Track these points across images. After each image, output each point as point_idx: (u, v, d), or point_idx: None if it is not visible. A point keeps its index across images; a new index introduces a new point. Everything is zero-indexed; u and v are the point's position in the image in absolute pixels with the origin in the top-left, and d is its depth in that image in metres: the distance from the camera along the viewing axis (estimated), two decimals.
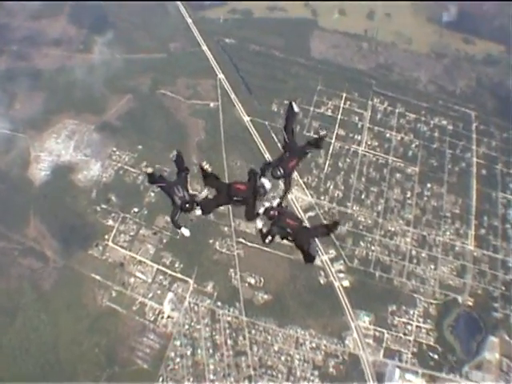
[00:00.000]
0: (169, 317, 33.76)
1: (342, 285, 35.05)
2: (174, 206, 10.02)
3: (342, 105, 42.38)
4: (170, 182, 10.33)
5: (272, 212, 9.93)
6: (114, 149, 39.45)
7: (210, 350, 32.85)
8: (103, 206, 36.90)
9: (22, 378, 30.84)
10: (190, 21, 47.24)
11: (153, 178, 10.38)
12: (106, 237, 35.88)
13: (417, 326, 34.03)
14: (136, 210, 36.60)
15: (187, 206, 9.73)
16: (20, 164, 39.40)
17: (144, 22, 47.54)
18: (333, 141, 40.41)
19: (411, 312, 34.47)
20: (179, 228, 10.00)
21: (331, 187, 38.61)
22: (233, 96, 42.20)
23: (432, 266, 36.28)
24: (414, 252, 36.75)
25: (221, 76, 43.36)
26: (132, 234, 36.00)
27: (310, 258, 9.87)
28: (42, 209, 37.04)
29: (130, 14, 48.15)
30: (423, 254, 36.68)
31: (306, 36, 46.75)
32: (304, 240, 10.06)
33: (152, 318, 33.65)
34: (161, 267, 34.89)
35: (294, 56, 45.00)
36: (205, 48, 45.22)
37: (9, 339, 32.14)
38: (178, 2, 48.66)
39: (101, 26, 46.79)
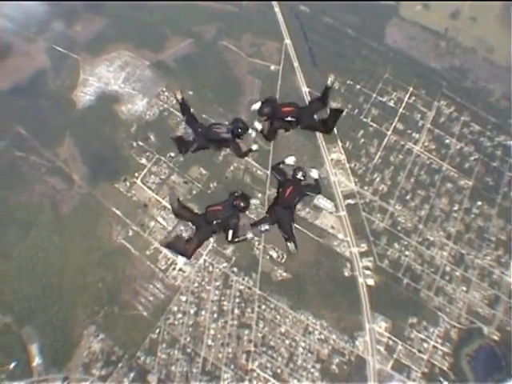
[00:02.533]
0: (180, 270, 32.24)
1: (366, 282, 32.97)
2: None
3: (406, 98, 39.79)
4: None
5: (266, 109, 10.44)
6: (164, 89, 37.75)
7: (215, 315, 31.26)
8: (140, 143, 35.44)
9: (21, 295, 29.96)
10: None
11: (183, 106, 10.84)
12: (136, 174, 34.44)
13: (434, 346, 31.67)
14: (172, 154, 34.85)
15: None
16: (67, 84, 38.25)
17: None
18: (389, 133, 38.04)
19: (431, 330, 32.17)
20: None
21: (377, 180, 36.30)
22: (296, 64, 40.03)
23: (464, 288, 33.77)
24: (448, 268, 34.30)
25: (288, 41, 41.16)
26: (163, 177, 34.47)
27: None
28: (79, 132, 35.79)
29: None
30: (457, 273, 34.20)
31: (383, 21, 44.14)
32: (309, 119, 10.67)
33: (163, 267, 32.22)
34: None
35: (366, 38, 42.49)
36: (277, 10, 43.01)
37: (18, 252, 31.07)
38: None
39: None
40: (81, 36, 40.51)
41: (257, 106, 10.81)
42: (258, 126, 10.85)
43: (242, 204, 10.13)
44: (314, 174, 10.86)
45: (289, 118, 10.63)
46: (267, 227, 10.43)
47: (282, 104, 10.75)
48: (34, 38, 40.27)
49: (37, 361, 28.96)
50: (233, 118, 10.78)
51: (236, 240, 10.26)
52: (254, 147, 11.08)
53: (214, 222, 10.06)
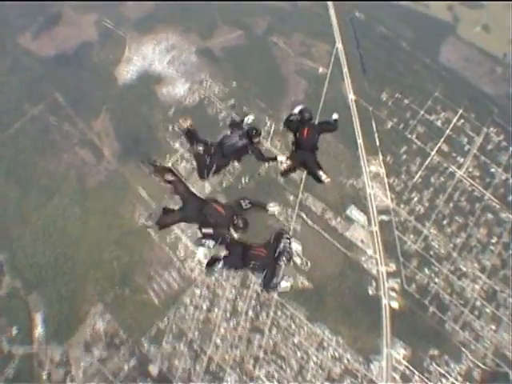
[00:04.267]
0: (199, 262, 30.82)
1: (389, 304, 31.04)
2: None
3: (454, 120, 37.88)
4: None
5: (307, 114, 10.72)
6: (208, 76, 36.99)
7: (228, 314, 29.79)
8: (176, 128, 34.58)
9: (33, 261, 29.34)
10: None
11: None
12: (168, 158, 33.45)
13: None
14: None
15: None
16: (111, 59, 37.93)
17: None
18: (432, 153, 36.17)
19: (452, 365, 29.86)
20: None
21: (415, 199, 34.41)
22: (345, 70, 38.63)
23: (493, 327, 31.35)
24: (478, 303, 32.02)
25: (339, 46, 39.86)
26: (195, 165, 33.35)
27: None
28: (116, 108, 35.23)
29: None
30: (487, 310, 31.87)
31: (439, 38, 42.47)
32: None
33: (182, 257, 30.97)
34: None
35: (420, 53, 40.85)
36: (332, 13, 41.84)
37: (37, 217, 30.53)
38: None
39: None
40: (131, 14, 40.26)
41: (297, 109, 10.82)
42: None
43: (240, 225, 9.58)
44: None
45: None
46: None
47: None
48: (85, 10, 39.99)
49: (39, 330, 28.16)
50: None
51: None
52: (280, 158, 11.19)
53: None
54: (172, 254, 30.98)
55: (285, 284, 9.93)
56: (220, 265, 9.41)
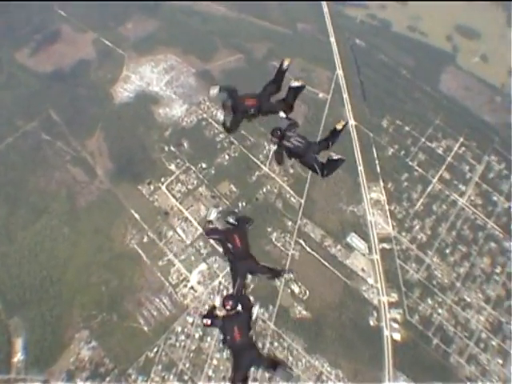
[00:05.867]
0: (192, 288, 29.39)
1: (391, 336, 29.58)
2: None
3: (455, 148, 37.50)
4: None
5: (228, 102, 10.55)
6: (206, 99, 36.36)
7: (221, 344, 28.10)
8: (172, 149, 33.70)
9: (17, 282, 27.72)
10: (326, 10, 44.42)
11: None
12: (162, 179, 32.49)
13: None
14: (204, 165, 33.09)
15: None
16: (108, 78, 37.60)
17: None
18: (434, 180, 35.53)
19: None
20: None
21: (417, 227, 33.46)
22: (345, 96, 38.39)
23: (500, 361, 29.91)
24: (483, 335, 30.67)
25: (339, 72, 39.80)
26: (190, 187, 32.35)
27: None
28: (111, 127, 34.48)
29: None
30: (493, 343, 30.49)
31: (439, 67, 42.77)
32: (268, 105, 10.80)
33: (174, 282, 29.45)
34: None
35: (420, 81, 40.91)
36: (332, 40, 42.11)
37: (23, 237, 29.07)
38: None
39: None
40: (131, 34, 40.42)
41: (215, 91, 10.69)
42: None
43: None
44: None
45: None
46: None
47: (242, 96, 10.81)
48: (85, 28, 39.74)
49: (18, 356, 26.11)
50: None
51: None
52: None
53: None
54: (164, 279, 29.48)
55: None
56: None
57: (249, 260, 9.78)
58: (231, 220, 10.11)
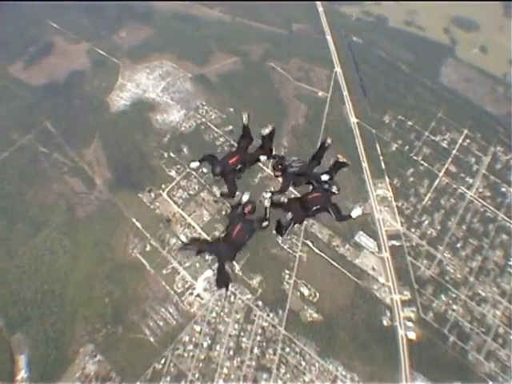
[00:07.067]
0: (198, 296, 28.56)
1: (406, 335, 28.67)
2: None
3: (460, 140, 36.82)
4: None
5: (217, 169, 10.80)
6: (204, 103, 36.06)
7: (231, 352, 27.18)
8: (171, 155, 33.10)
9: (18, 298, 26.97)
10: (321, 9, 44.21)
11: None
12: (163, 186, 31.86)
13: None
14: (205, 170, 32.32)
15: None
16: (104, 87, 37.29)
17: None
18: (440, 174, 34.80)
19: None
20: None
21: (426, 222, 32.68)
22: (345, 93, 37.89)
23: None
24: (501, 330, 29.71)
25: (338, 70, 39.36)
26: (191, 193, 31.68)
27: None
28: (109, 136, 33.99)
29: None
30: None
31: (438, 60, 42.35)
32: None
33: (179, 290, 28.62)
34: (209, 239, 29.87)
35: (420, 75, 40.43)
36: (329, 38, 41.80)
37: (23, 251, 28.43)
38: None
39: None
40: (125, 42, 40.27)
41: (195, 164, 11.43)
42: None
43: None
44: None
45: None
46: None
47: (224, 157, 11.18)
48: (77, 39, 39.43)
49: (22, 374, 25.36)
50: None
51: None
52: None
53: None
54: (169, 288, 28.67)
55: (356, 212, 11.07)
56: (288, 222, 10.28)
57: (229, 249, 10.15)
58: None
